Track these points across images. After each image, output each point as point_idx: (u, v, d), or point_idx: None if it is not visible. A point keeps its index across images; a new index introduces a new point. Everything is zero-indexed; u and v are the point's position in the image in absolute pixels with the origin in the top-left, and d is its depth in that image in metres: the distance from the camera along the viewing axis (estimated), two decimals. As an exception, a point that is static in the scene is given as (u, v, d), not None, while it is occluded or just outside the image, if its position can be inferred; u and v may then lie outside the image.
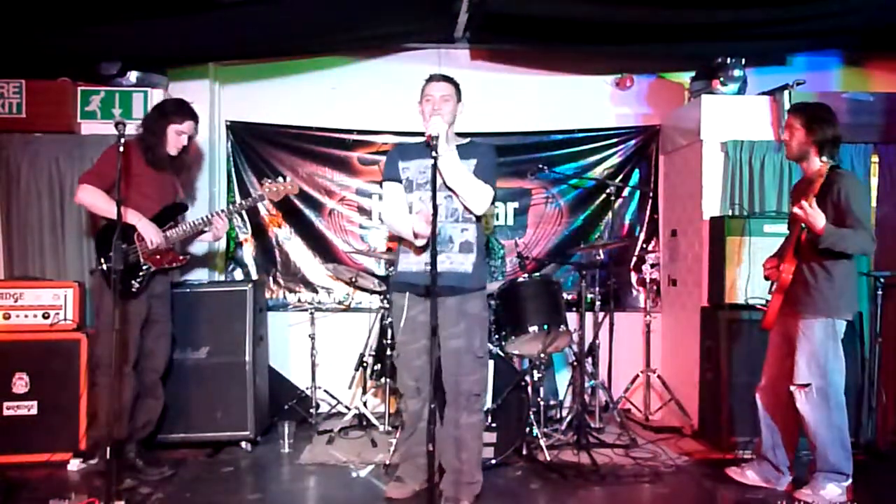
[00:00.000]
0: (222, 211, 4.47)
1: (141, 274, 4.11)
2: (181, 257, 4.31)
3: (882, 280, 4.70)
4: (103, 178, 4.05)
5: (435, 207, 3.25)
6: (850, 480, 3.84)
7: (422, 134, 3.60)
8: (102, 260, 4.06)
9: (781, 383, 3.95)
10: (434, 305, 3.19)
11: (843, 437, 3.83)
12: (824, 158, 3.82)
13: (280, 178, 4.52)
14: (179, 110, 4.26)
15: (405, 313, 3.73)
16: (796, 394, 3.83)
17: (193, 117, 4.31)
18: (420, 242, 3.59)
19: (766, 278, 4.05)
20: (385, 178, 3.85)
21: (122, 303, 3.94)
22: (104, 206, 4.05)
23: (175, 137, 4.22)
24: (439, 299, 3.44)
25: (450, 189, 3.60)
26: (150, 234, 4.09)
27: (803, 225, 3.72)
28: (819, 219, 3.60)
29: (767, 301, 4.01)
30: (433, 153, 3.30)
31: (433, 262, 3.20)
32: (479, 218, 3.72)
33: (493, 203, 3.77)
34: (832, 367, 3.80)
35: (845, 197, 3.69)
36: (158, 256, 4.15)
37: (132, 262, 4.08)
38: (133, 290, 4.09)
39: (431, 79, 3.76)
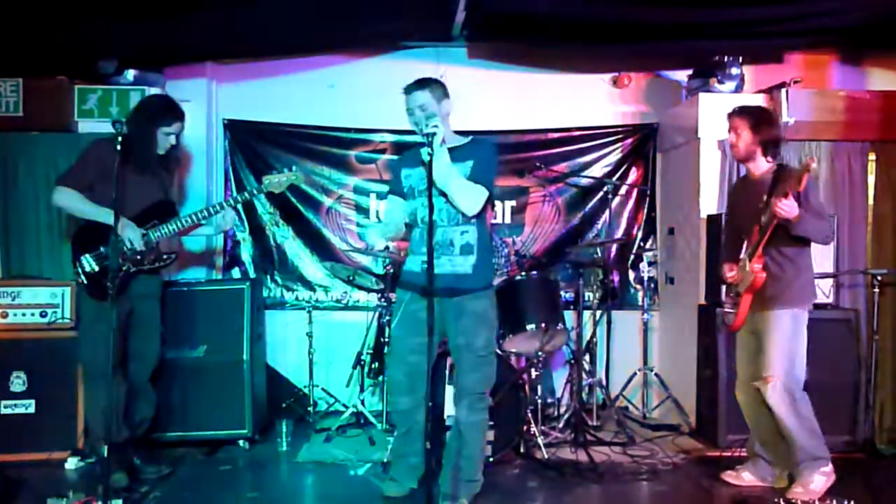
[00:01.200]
0: (219, 204, 4.37)
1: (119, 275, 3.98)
2: (164, 256, 4.18)
3: (879, 278, 4.71)
4: (79, 178, 3.99)
5: (431, 207, 3.26)
6: (829, 465, 3.86)
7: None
8: (76, 264, 4.01)
9: (757, 380, 3.97)
10: (431, 305, 3.20)
11: (813, 425, 3.87)
12: (769, 158, 3.94)
13: (284, 170, 4.42)
14: (168, 112, 4.13)
15: (403, 307, 3.74)
16: (763, 388, 3.86)
17: (181, 117, 4.18)
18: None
19: (728, 283, 4.07)
20: (389, 191, 3.88)
21: (98, 305, 3.90)
22: (80, 207, 3.99)
23: (164, 139, 4.11)
24: (442, 299, 3.51)
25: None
26: (129, 234, 3.97)
27: (775, 222, 3.75)
28: (795, 208, 3.66)
29: (732, 304, 4.03)
30: (428, 151, 3.30)
31: (430, 264, 3.20)
32: (479, 217, 3.68)
33: (490, 202, 3.75)
34: (799, 359, 3.87)
35: (806, 191, 3.77)
36: (139, 257, 4.05)
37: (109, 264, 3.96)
38: (108, 291, 3.85)
39: (406, 91, 3.70)
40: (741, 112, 4.03)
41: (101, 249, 3.97)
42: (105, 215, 3.89)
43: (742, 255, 3.94)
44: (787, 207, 3.63)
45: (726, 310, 4.10)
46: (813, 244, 3.93)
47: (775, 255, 3.88)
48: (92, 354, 3.93)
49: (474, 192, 3.57)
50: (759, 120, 3.96)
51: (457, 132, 3.80)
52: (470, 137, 3.77)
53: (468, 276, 3.64)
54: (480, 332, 3.67)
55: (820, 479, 3.84)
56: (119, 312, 3.88)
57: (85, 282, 4.00)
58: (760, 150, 3.94)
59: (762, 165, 3.97)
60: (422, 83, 3.69)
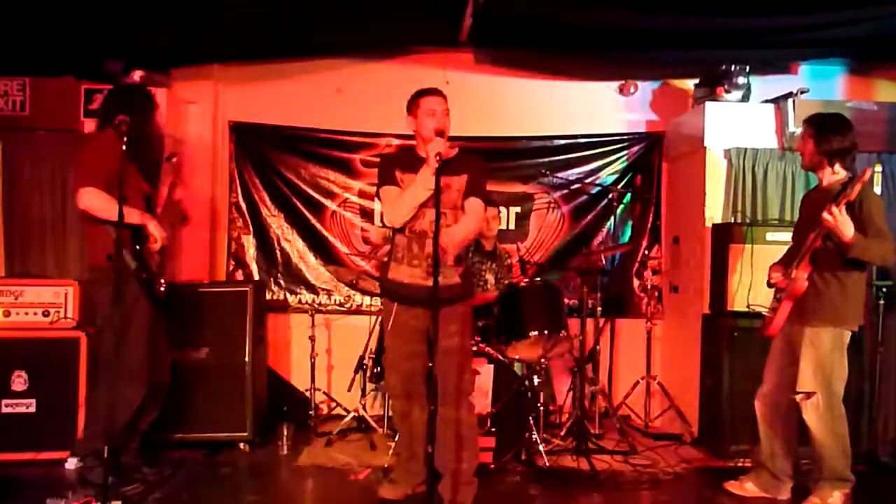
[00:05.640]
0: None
1: (163, 278, 4.04)
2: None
3: (884, 290, 4.68)
4: (100, 176, 3.74)
5: (438, 213, 3.25)
6: (849, 489, 3.84)
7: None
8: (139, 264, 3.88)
9: (783, 391, 3.94)
10: (435, 318, 3.21)
11: (846, 444, 3.83)
12: (837, 168, 3.83)
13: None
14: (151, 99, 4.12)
15: (392, 318, 3.76)
16: (802, 404, 3.81)
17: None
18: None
19: (771, 285, 4.03)
20: (383, 182, 3.74)
21: (150, 307, 3.94)
22: (113, 208, 3.62)
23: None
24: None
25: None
26: (161, 233, 3.93)
27: (822, 233, 3.69)
28: (849, 227, 3.57)
29: (772, 308, 3.99)
30: (436, 166, 3.32)
31: (435, 275, 3.21)
32: None
33: (496, 209, 3.80)
34: (836, 377, 3.80)
35: (866, 208, 3.68)
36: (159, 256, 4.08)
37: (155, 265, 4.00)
38: (161, 292, 3.99)
39: (430, 92, 3.69)
40: (808, 120, 3.92)
41: (137, 247, 3.89)
42: (134, 215, 3.82)
43: (793, 263, 3.87)
44: (832, 217, 3.55)
45: (765, 314, 4.05)
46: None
47: (824, 270, 3.78)
48: (128, 353, 3.82)
49: (471, 223, 3.66)
50: (824, 129, 3.83)
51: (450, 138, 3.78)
52: (455, 148, 3.68)
53: (458, 284, 3.70)
54: (468, 334, 3.82)
55: (838, 496, 3.81)
56: (153, 312, 3.99)
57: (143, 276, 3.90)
58: (825, 160, 3.83)
59: (830, 176, 3.85)
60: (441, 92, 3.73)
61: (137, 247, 3.87)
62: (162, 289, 4.01)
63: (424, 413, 3.64)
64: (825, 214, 3.59)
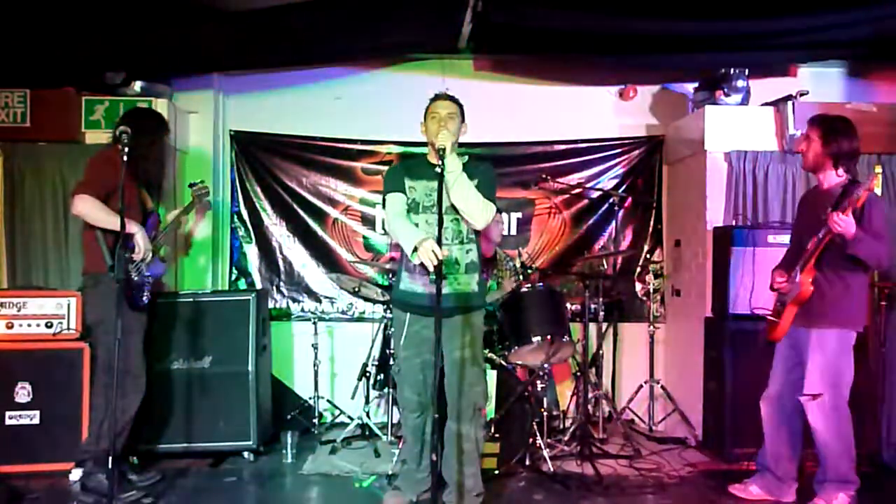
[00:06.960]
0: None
1: (147, 286, 4.10)
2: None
3: (886, 290, 4.68)
4: (98, 187, 3.88)
5: (441, 220, 3.25)
6: (854, 491, 3.84)
7: (426, 144, 3.65)
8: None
9: (788, 394, 3.94)
10: (438, 325, 3.20)
11: (851, 446, 3.83)
12: (840, 171, 3.83)
13: None
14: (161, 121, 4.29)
15: (406, 329, 3.72)
16: (808, 405, 3.81)
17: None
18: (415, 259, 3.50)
19: (775, 289, 4.03)
20: (389, 190, 3.73)
21: (136, 315, 4.00)
22: (102, 216, 3.86)
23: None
24: (447, 318, 3.51)
25: (455, 209, 3.58)
26: (146, 244, 4.02)
27: (826, 238, 3.69)
28: (851, 225, 3.57)
29: (776, 312, 4.00)
30: (440, 164, 3.32)
31: (437, 283, 3.21)
32: (478, 235, 3.72)
33: (498, 216, 3.75)
34: (843, 379, 3.80)
35: (867, 211, 3.68)
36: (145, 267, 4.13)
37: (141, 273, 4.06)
38: (145, 300, 4.08)
39: (437, 97, 3.73)
40: (814, 121, 3.92)
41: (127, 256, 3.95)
42: (129, 224, 3.89)
43: (797, 266, 3.87)
44: (842, 223, 3.55)
45: (770, 318, 4.05)
46: None
47: (828, 272, 3.78)
48: (125, 358, 3.84)
49: (486, 206, 3.58)
50: (833, 131, 3.82)
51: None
52: (465, 157, 3.74)
53: (475, 293, 3.68)
54: (480, 346, 3.75)
55: (844, 498, 3.81)
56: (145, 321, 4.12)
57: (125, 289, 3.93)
58: (830, 162, 3.82)
59: (832, 178, 3.85)
60: (455, 98, 3.75)
61: (128, 254, 3.93)
62: (144, 298, 4.07)
63: (431, 422, 3.66)
64: (836, 222, 3.57)
